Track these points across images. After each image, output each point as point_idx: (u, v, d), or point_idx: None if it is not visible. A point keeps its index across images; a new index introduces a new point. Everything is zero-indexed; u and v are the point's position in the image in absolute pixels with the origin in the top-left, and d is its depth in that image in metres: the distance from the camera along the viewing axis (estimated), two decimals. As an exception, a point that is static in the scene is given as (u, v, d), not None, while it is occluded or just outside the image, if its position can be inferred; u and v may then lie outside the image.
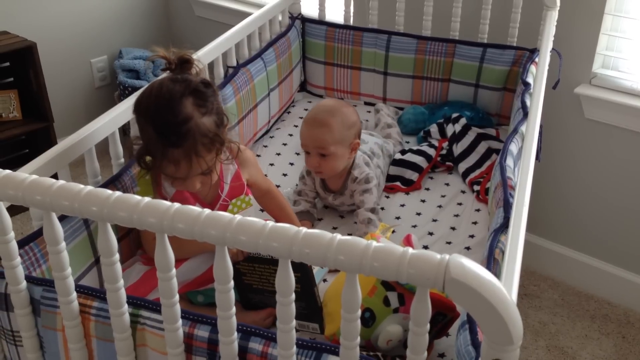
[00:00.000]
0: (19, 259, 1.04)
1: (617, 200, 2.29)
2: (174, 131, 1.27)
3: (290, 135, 2.24)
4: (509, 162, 1.54)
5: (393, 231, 1.73)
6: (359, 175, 1.75)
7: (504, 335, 0.75)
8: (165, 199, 1.41)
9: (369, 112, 2.36)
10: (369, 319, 1.25)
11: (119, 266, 0.97)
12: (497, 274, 1.12)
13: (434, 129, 2.15)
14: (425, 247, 1.69)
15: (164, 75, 1.40)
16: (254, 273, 1.34)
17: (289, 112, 2.41)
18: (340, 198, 1.79)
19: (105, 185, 1.43)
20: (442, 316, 1.29)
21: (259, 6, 2.81)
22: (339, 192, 1.79)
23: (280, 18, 2.35)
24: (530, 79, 1.90)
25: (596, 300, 2.41)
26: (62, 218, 1.27)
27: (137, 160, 1.38)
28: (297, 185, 1.86)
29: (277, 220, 1.00)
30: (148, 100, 1.30)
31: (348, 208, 1.83)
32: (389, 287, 1.26)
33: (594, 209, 2.36)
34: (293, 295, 0.88)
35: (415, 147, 2.07)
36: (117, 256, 0.96)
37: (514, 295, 0.98)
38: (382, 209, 1.83)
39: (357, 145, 1.74)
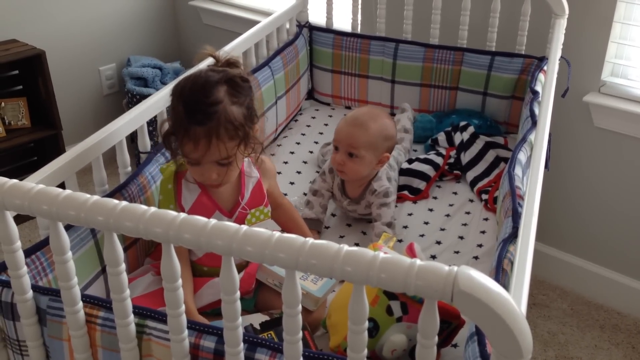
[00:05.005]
0: (25, 269, 1.04)
1: (626, 209, 2.28)
2: (201, 109, 1.31)
3: (298, 143, 2.24)
4: (518, 171, 1.53)
5: (400, 240, 1.72)
6: (379, 188, 1.74)
7: (513, 349, 0.74)
8: (184, 210, 1.41)
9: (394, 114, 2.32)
10: (372, 329, 1.23)
11: (125, 276, 0.97)
12: (506, 286, 1.11)
13: (441, 137, 2.14)
14: (433, 257, 1.68)
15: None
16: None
17: (296, 120, 2.40)
18: (355, 206, 1.78)
19: (112, 194, 1.43)
20: (447, 324, 1.27)
21: (267, 14, 2.81)
22: (355, 201, 1.77)
23: (287, 26, 2.35)
24: (538, 88, 1.89)
25: (606, 310, 2.39)
26: (68, 227, 1.27)
27: (164, 140, 1.41)
28: (312, 183, 1.84)
29: (288, 232, 0.99)
30: (185, 82, 1.36)
31: (359, 216, 1.82)
32: (392, 296, 1.25)
33: (603, 218, 2.34)
34: (300, 307, 0.88)
35: (422, 156, 2.06)
36: (123, 266, 0.96)
37: (523, 308, 0.97)
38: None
39: (385, 159, 1.73)
